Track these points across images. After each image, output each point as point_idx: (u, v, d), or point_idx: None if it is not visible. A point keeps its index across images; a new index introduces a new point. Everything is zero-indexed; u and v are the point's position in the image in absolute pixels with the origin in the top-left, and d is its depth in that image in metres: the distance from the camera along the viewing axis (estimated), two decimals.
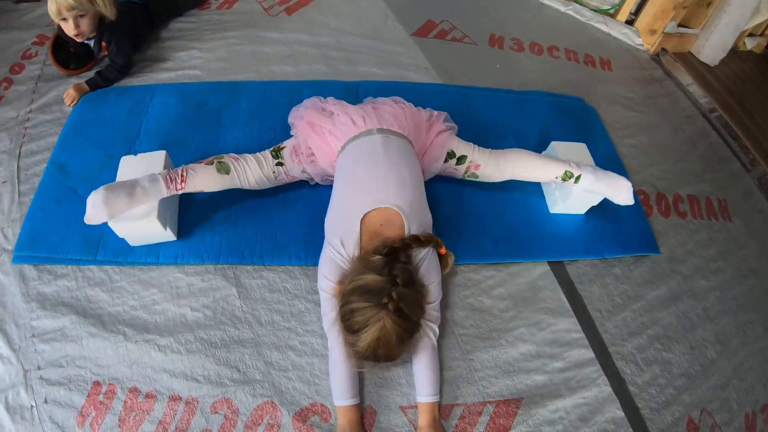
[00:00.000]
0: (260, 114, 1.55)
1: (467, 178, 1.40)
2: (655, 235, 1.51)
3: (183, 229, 1.28)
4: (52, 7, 1.42)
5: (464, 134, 1.39)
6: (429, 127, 1.35)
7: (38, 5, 1.88)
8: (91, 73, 1.61)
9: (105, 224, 1.12)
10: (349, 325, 0.99)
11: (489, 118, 1.67)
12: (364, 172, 1.18)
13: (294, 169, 1.29)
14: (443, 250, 1.18)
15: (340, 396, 1.05)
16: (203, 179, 1.20)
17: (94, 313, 1.15)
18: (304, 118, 1.31)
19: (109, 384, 1.06)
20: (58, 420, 1.01)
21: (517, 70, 1.93)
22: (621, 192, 1.32)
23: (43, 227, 1.25)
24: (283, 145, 1.29)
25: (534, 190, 1.51)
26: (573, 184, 1.34)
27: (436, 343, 1.12)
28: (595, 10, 2.24)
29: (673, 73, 2.12)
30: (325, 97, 1.39)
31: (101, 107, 1.52)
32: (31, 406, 1.02)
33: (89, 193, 1.09)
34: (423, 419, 1.06)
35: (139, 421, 1.02)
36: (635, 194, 1.35)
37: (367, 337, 0.96)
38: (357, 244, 1.08)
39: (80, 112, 1.52)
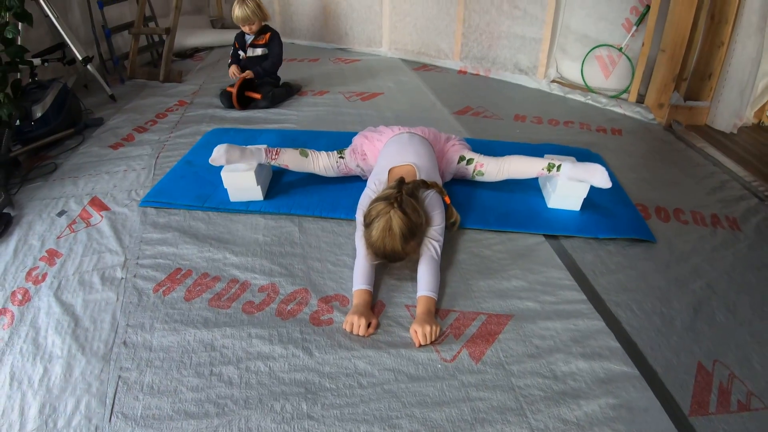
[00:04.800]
0: (333, 147, 1.94)
1: (476, 177, 1.66)
2: (653, 232, 1.53)
3: (269, 194, 1.67)
4: (236, 17, 2.41)
5: None
6: (447, 140, 1.71)
7: (178, 84, 2.79)
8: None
9: (213, 185, 1.57)
10: (366, 222, 1.23)
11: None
12: (394, 149, 1.55)
13: (351, 162, 1.67)
14: (447, 199, 1.42)
15: (357, 283, 1.23)
16: (290, 157, 1.63)
17: (191, 232, 1.51)
18: (362, 133, 1.74)
19: (188, 270, 1.35)
20: (139, 287, 1.30)
21: (535, 134, 2.25)
22: (596, 174, 1.48)
23: (168, 187, 1.72)
24: (345, 149, 1.70)
25: (534, 192, 1.69)
26: (556, 174, 1.54)
27: (437, 256, 1.27)
28: (611, 96, 2.56)
29: (685, 138, 2.25)
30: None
31: (223, 137, 2.12)
32: (121, 279, 1.33)
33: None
34: (420, 309, 1.17)
35: (201, 291, 1.28)
36: (626, 192, 1.45)
37: (378, 226, 1.19)
38: (384, 184, 1.38)
39: (208, 137, 2.13)
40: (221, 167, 1.58)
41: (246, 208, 1.61)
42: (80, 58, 2.51)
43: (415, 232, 1.22)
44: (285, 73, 2.85)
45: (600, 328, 1.17)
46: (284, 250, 1.43)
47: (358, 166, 1.68)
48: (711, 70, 2.31)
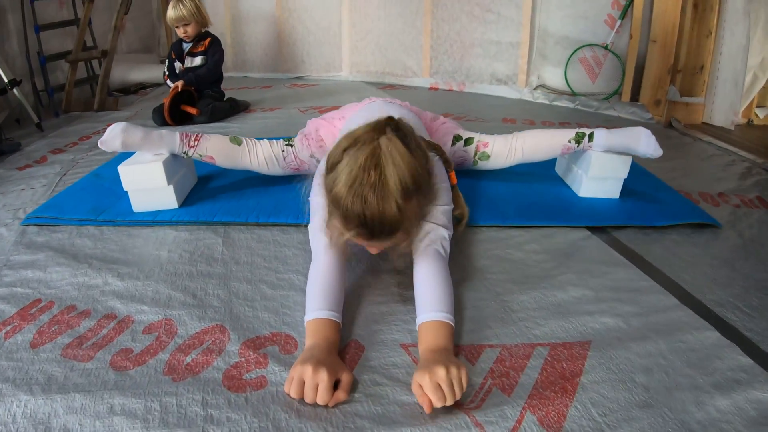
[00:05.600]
0: None
1: (479, 162, 1.24)
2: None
3: (187, 203, 1.16)
4: (170, 17, 2.05)
5: None
6: (434, 119, 1.30)
7: (113, 112, 2.40)
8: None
9: (117, 196, 1.12)
10: (332, 161, 0.70)
11: None
12: (364, 114, 1.10)
13: (302, 151, 1.21)
14: (453, 176, 0.96)
15: (313, 307, 0.70)
16: (215, 144, 1.15)
17: (71, 252, 0.98)
18: (319, 117, 1.30)
19: (49, 301, 0.82)
20: None
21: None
22: (641, 138, 1.11)
23: (62, 201, 1.21)
24: (294, 137, 1.25)
25: (556, 182, 1.30)
26: (588, 145, 1.15)
27: (444, 253, 0.79)
28: (602, 99, 2.29)
29: (690, 133, 1.98)
30: None
31: None
32: None
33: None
34: (426, 342, 0.66)
35: (57, 333, 0.74)
36: None
37: (355, 161, 0.64)
38: None
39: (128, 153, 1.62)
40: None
41: (152, 219, 1.08)
42: (6, 80, 2.04)
43: (420, 183, 0.68)
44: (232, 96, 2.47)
45: (716, 341, 0.73)
46: (195, 270, 0.90)
47: (312, 156, 1.20)
48: (702, 62, 2.09)
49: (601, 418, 0.58)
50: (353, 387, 0.63)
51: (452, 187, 0.95)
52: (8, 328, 0.76)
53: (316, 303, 0.70)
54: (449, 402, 0.57)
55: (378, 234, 0.67)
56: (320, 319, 0.68)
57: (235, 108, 2.23)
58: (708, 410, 0.60)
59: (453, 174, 0.95)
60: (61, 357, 0.69)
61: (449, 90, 2.69)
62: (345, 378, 0.62)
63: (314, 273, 0.75)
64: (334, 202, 0.68)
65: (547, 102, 2.39)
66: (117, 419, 0.58)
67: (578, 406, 0.60)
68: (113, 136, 1.04)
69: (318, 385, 0.58)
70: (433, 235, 0.79)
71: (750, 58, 2.02)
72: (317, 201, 0.81)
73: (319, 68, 3.11)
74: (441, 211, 0.82)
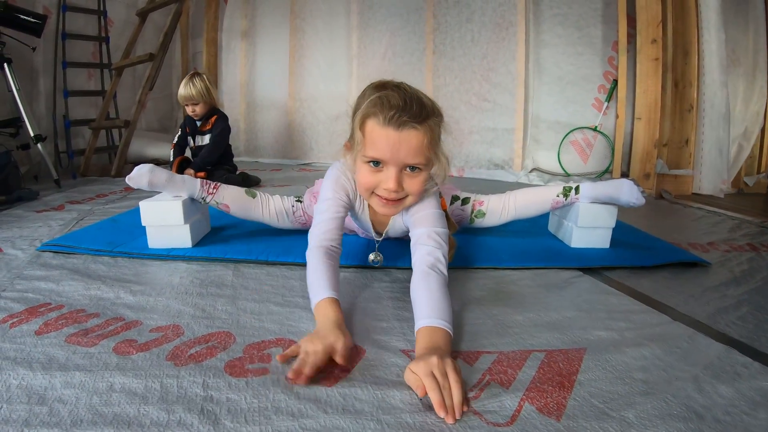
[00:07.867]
0: None
1: (476, 220, 1.38)
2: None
3: (199, 244, 1.27)
4: (180, 95, 2.27)
5: None
6: None
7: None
8: None
9: (133, 235, 1.30)
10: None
11: None
12: None
13: (310, 207, 1.36)
14: (444, 203, 1.11)
15: (319, 291, 0.83)
16: (231, 194, 1.31)
17: (86, 272, 1.08)
18: None
19: (58, 305, 0.90)
20: None
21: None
22: (623, 188, 1.25)
23: (78, 235, 1.36)
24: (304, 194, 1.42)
25: (550, 236, 1.43)
26: (575, 198, 1.30)
27: (438, 271, 0.87)
28: (594, 178, 2.50)
29: (680, 202, 2.14)
30: None
31: None
32: None
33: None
34: (422, 343, 0.72)
35: (63, 325, 0.82)
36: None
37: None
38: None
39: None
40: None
41: (166, 253, 1.19)
42: (32, 135, 2.32)
43: (434, 107, 0.97)
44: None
45: (713, 345, 0.79)
46: (206, 291, 0.98)
47: None
48: (686, 135, 2.34)
49: (602, 405, 0.62)
50: (358, 356, 0.73)
51: (444, 212, 1.07)
52: (15, 319, 0.84)
53: (321, 285, 0.84)
54: (444, 389, 0.61)
55: (416, 115, 0.88)
56: (321, 300, 0.81)
57: (247, 182, 2.44)
58: (711, 396, 0.65)
59: (444, 201, 1.10)
60: (65, 342, 0.76)
61: (449, 175, 2.93)
62: (339, 346, 0.70)
63: (311, 263, 0.89)
64: (369, 107, 0.89)
65: (542, 183, 2.60)
66: (116, 396, 0.62)
67: (577, 398, 0.64)
68: (141, 174, 1.20)
69: (311, 356, 0.68)
70: (427, 248, 0.90)
71: (733, 129, 2.26)
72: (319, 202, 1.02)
73: (327, 156, 3.43)
74: (437, 233, 0.94)
